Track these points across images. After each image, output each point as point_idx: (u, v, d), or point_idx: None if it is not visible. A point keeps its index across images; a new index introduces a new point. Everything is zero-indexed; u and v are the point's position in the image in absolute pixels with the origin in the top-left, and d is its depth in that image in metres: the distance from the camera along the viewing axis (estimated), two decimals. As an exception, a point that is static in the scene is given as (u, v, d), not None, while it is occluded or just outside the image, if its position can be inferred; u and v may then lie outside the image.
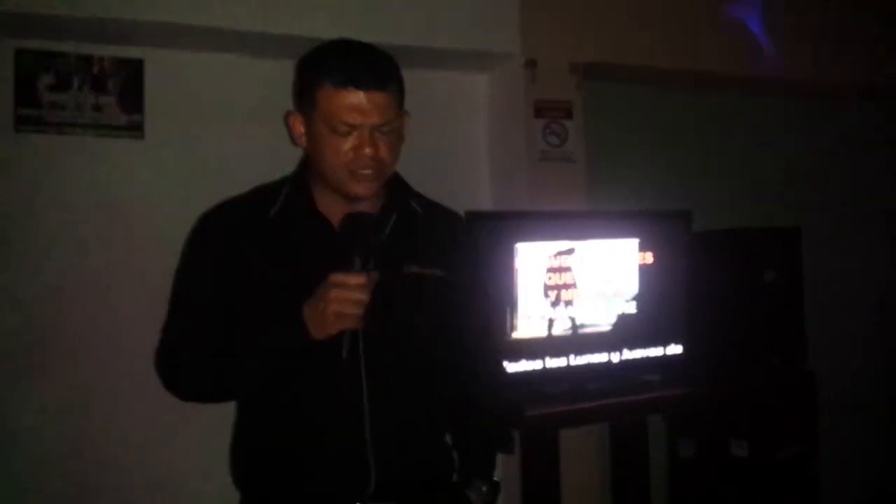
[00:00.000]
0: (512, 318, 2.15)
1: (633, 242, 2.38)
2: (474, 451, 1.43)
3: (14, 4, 1.86)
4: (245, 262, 1.27)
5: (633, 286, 2.37)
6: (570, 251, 2.26)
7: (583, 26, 2.49)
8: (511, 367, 2.13)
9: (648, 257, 2.39)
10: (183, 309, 1.33)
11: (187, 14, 2.00)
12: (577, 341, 2.27)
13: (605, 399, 2.27)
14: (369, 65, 1.23)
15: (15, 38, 2.01)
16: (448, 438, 1.41)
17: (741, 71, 2.80)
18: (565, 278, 2.25)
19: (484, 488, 1.41)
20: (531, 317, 2.20)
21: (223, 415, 1.53)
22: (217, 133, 2.20)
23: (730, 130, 3.05)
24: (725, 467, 2.61)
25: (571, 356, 2.26)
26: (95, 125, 2.09)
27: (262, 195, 1.34)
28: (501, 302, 2.12)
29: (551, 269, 2.23)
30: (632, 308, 2.37)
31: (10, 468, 1.98)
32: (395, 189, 1.36)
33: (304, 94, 1.26)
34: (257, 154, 2.22)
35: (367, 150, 1.22)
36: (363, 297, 1.17)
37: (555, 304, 2.24)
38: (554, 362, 2.23)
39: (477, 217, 2.07)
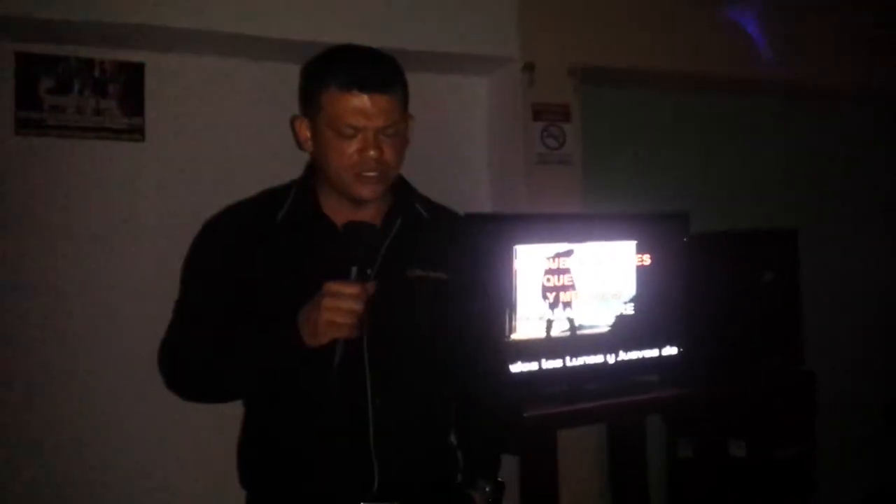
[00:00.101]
0: (511, 320, 2.16)
1: (630, 244, 2.39)
2: (478, 452, 1.44)
3: (15, 8, 1.87)
4: (251, 265, 1.28)
5: (631, 288, 2.38)
6: (568, 253, 2.28)
7: (580, 30, 2.51)
8: (510, 368, 2.14)
9: (646, 259, 2.41)
10: (187, 309, 1.35)
11: (188, 18, 2.00)
12: (576, 342, 2.29)
13: (604, 400, 2.29)
14: (373, 68, 1.24)
15: (16, 42, 2.02)
16: (452, 439, 1.41)
17: (738, 73, 2.82)
18: (564, 280, 2.26)
19: (488, 488, 1.41)
20: (530, 318, 2.21)
21: (228, 415, 1.54)
22: (217, 136, 2.21)
23: (727, 133, 3.06)
24: (724, 467, 2.62)
25: (570, 357, 2.27)
26: (96, 128, 2.10)
27: (268, 199, 1.36)
28: (500, 304, 2.13)
29: (550, 271, 2.24)
30: (630, 309, 2.38)
31: (10, 468, 1.98)
32: (400, 192, 1.37)
33: (310, 97, 1.28)
34: (258, 157, 2.23)
35: (372, 153, 1.24)
36: (357, 307, 1.16)
37: (553, 305, 2.25)
38: (552, 363, 2.24)
39: (476, 219, 2.08)
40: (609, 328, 2.35)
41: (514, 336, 2.18)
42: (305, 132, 1.31)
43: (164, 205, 2.15)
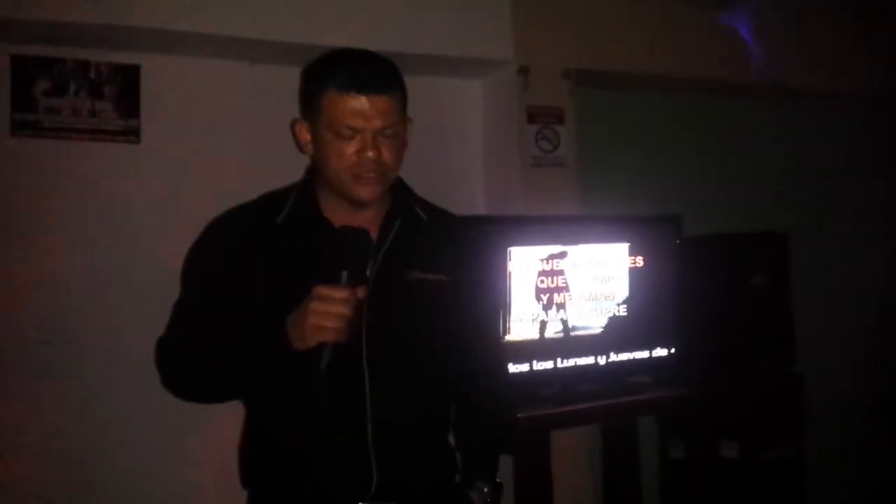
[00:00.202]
0: (505, 322, 2.17)
1: (624, 246, 2.41)
2: (477, 452, 1.45)
3: (11, 10, 1.87)
4: (251, 267, 1.29)
5: (624, 290, 2.40)
6: (562, 255, 2.29)
7: (575, 33, 2.52)
8: (508, 369, 2.15)
9: (639, 261, 2.42)
10: (186, 310, 1.35)
11: (183, 21, 2.01)
12: (569, 344, 2.30)
13: (597, 401, 2.30)
14: (371, 70, 1.26)
15: (11, 44, 2.02)
16: (451, 440, 1.42)
17: (732, 76, 2.84)
18: (557, 282, 2.28)
19: (486, 489, 1.42)
20: (523, 320, 2.23)
21: (229, 415, 1.54)
22: (213, 138, 2.22)
23: (720, 136, 3.09)
24: (715, 468, 2.64)
25: (563, 358, 2.29)
26: (92, 130, 2.10)
27: (269, 202, 1.37)
28: (498, 305, 2.14)
29: (543, 273, 2.26)
30: (623, 311, 2.40)
31: (11, 469, 1.98)
32: (399, 195, 1.38)
33: (310, 100, 1.30)
34: (253, 159, 2.24)
35: (370, 154, 1.25)
36: (345, 311, 1.16)
37: (547, 307, 2.27)
38: (546, 364, 2.26)
39: (470, 221, 2.09)
40: (602, 329, 2.37)
41: (508, 337, 2.19)
42: (305, 135, 1.32)
43: (160, 206, 2.15)
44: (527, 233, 2.26)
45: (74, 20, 1.92)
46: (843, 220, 3.36)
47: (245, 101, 2.26)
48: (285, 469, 1.30)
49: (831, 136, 3.35)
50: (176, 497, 2.12)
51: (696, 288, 2.52)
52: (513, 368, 2.18)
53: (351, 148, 1.25)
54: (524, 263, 2.23)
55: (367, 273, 1.29)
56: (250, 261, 1.29)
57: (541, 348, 2.25)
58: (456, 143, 2.55)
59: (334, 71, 1.26)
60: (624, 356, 2.39)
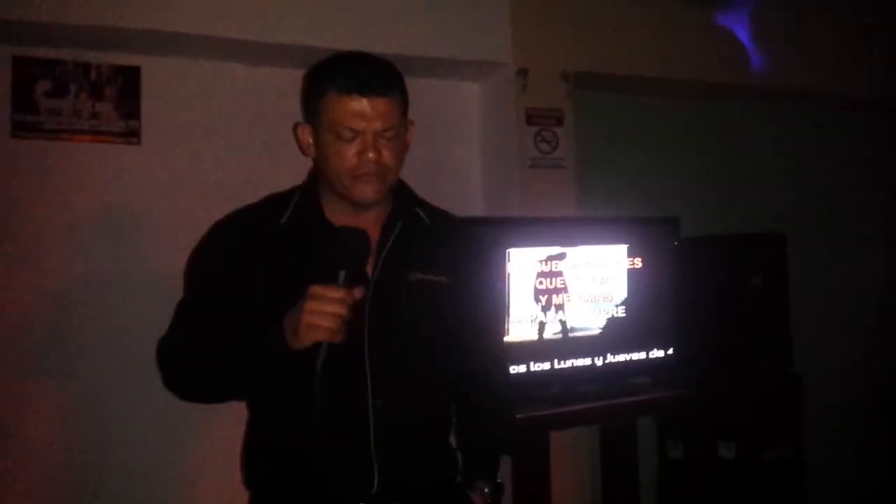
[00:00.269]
0: (504, 323, 2.18)
1: (622, 248, 2.42)
2: (478, 453, 1.46)
3: (12, 12, 1.88)
4: (254, 268, 1.29)
5: (622, 291, 2.41)
6: (560, 256, 2.30)
7: (573, 36, 2.53)
8: (508, 370, 2.15)
9: (637, 262, 2.43)
10: (189, 310, 1.35)
11: (184, 23, 2.02)
12: (568, 345, 2.31)
13: (596, 401, 2.31)
14: (372, 72, 1.27)
15: (12, 46, 2.03)
16: (452, 440, 1.43)
17: (730, 79, 2.85)
18: (556, 283, 2.29)
19: (487, 489, 1.43)
20: (522, 321, 2.23)
21: (233, 415, 1.55)
22: (213, 140, 2.23)
23: (717, 138, 3.10)
24: (713, 468, 2.64)
25: (562, 359, 2.29)
26: (92, 131, 2.11)
27: (272, 204, 1.38)
28: (498, 306, 2.14)
29: (542, 274, 2.27)
30: (621, 312, 2.40)
31: (12, 469, 1.99)
32: (401, 197, 1.39)
33: (311, 103, 1.31)
34: (253, 161, 2.25)
35: (371, 155, 1.26)
36: (341, 310, 1.16)
37: (546, 308, 2.28)
38: (545, 365, 2.26)
39: (469, 223, 2.10)
40: (601, 331, 2.37)
41: (507, 338, 2.19)
42: (307, 138, 1.33)
43: (160, 207, 2.16)
44: (525, 234, 2.27)
45: (75, 22, 1.93)
46: (841, 221, 3.38)
47: (245, 103, 2.26)
48: (287, 469, 1.31)
49: (829, 138, 3.36)
50: (178, 497, 2.12)
51: (694, 289, 2.53)
52: (512, 369, 2.18)
53: (352, 150, 1.26)
54: (523, 265, 2.23)
55: (370, 275, 1.30)
56: (253, 262, 1.30)
57: (539, 349, 2.26)
58: (455, 144, 2.55)
59: (335, 73, 1.27)
60: (622, 357, 2.40)
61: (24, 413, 2.01)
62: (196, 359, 1.29)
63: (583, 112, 2.61)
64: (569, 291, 2.31)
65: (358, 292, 1.20)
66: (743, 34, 2.84)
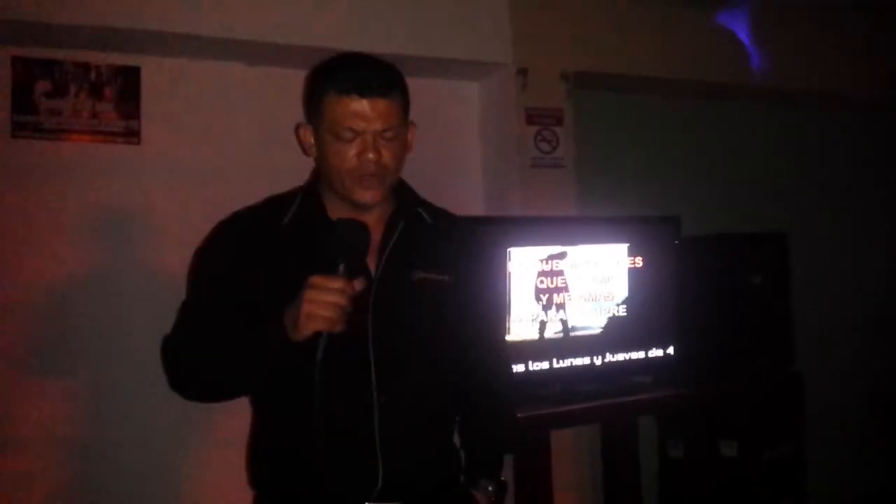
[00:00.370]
0: (505, 322, 2.18)
1: (623, 247, 2.42)
2: (482, 452, 1.46)
3: (11, 12, 1.88)
4: (257, 268, 1.30)
5: (623, 290, 2.41)
6: (561, 255, 2.30)
7: (573, 35, 2.53)
8: (512, 368, 2.15)
9: (638, 261, 2.43)
10: (193, 309, 1.35)
11: (184, 23, 2.02)
12: (569, 344, 2.31)
13: (597, 400, 2.31)
14: (372, 74, 1.27)
15: (12, 46, 2.03)
16: (455, 440, 1.43)
17: (730, 78, 2.85)
18: (557, 282, 2.29)
19: (491, 488, 1.43)
20: (523, 320, 2.23)
21: (238, 414, 1.55)
22: (213, 140, 2.23)
23: (718, 136, 3.10)
24: (715, 467, 2.64)
25: (563, 358, 2.29)
26: (92, 131, 2.11)
27: (274, 205, 1.38)
28: (501, 305, 2.14)
29: (543, 273, 2.27)
30: (622, 311, 2.40)
31: (15, 468, 1.99)
32: (403, 196, 1.40)
33: (312, 104, 1.31)
34: (253, 160, 2.25)
35: (370, 156, 1.26)
36: (340, 300, 1.16)
37: (547, 307, 2.28)
38: (546, 364, 2.26)
39: (470, 222, 2.09)
40: (602, 330, 2.37)
41: (508, 338, 2.18)
42: (309, 138, 1.34)
43: (160, 207, 2.16)
44: (526, 233, 2.27)
45: (75, 22, 1.93)
46: (842, 220, 3.38)
47: (245, 103, 2.26)
48: (292, 469, 1.31)
49: (830, 137, 3.36)
50: (180, 497, 2.12)
51: (695, 288, 2.53)
52: (513, 369, 2.18)
53: (352, 150, 1.27)
54: (524, 264, 2.23)
55: (373, 273, 1.30)
56: (256, 263, 1.30)
57: (540, 348, 2.26)
58: (455, 144, 2.55)
59: (335, 74, 1.28)
60: (623, 356, 2.40)
61: (24, 412, 2.01)
62: (200, 355, 1.29)
63: (583, 112, 2.61)
64: (570, 290, 2.31)
65: (358, 284, 1.21)
66: (743, 34, 2.84)
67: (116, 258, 2.12)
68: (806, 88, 3.02)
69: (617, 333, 2.39)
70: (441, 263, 1.37)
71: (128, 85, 2.15)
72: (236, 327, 1.26)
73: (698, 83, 2.82)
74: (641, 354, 2.43)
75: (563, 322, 2.30)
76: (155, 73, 2.17)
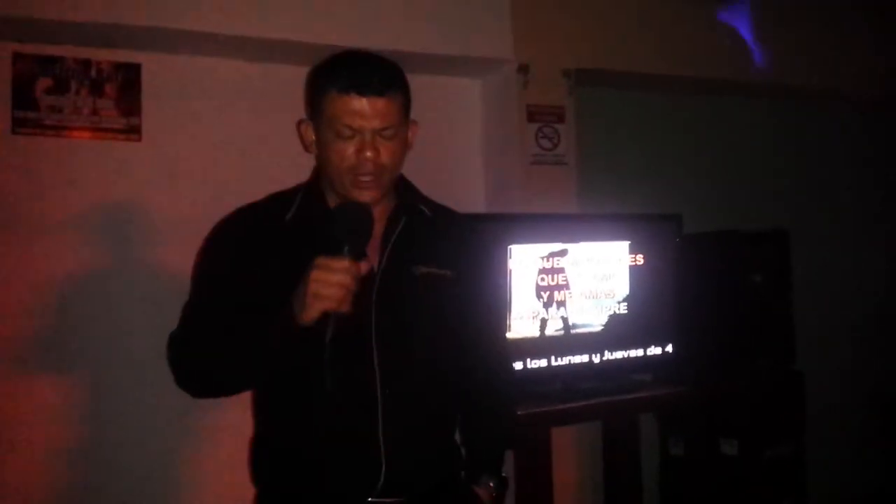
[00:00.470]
0: (506, 319, 2.18)
1: (624, 244, 2.41)
2: (483, 448, 1.46)
3: (12, 8, 1.88)
4: (261, 263, 1.30)
5: (624, 287, 2.41)
6: (562, 253, 2.30)
7: (575, 32, 2.53)
8: (513, 365, 2.15)
9: (639, 259, 2.43)
10: (198, 305, 1.35)
11: (184, 20, 2.02)
12: (570, 341, 2.31)
13: (597, 398, 2.31)
14: (372, 72, 1.27)
15: (13, 42, 2.03)
16: (457, 437, 1.43)
17: (732, 75, 2.84)
18: (558, 279, 2.28)
19: (492, 483, 1.43)
20: (524, 317, 2.23)
21: (240, 411, 1.55)
22: (214, 136, 2.23)
23: (720, 134, 3.09)
24: (715, 465, 2.64)
25: (564, 356, 2.29)
26: (93, 128, 2.11)
27: (277, 201, 1.38)
28: (502, 302, 2.14)
29: (544, 271, 2.26)
30: (623, 309, 2.40)
31: (14, 468, 1.99)
32: (405, 193, 1.40)
33: (314, 101, 1.32)
34: (254, 157, 2.25)
35: (368, 154, 1.26)
36: (346, 280, 1.16)
37: (547, 304, 2.27)
38: (546, 362, 2.26)
39: (471, 219, 2.10)
40: (602, 327, 2.37)
41: (509, 335, 2.18)
42: (310, 135, 1.34)
43: (161, 204, 2.16)
44: (527, 231, 2.27)
45: (76, 18, 1.93)
46: (843, 218, 3.37)
47: (246, 100, 2.26)
48: (296, 466, 1.31)
49: (831, 136, 3.36)
50: (180, 495, 2.12)
51: (696, 286, 2.53)
52: (514, 366, 2.18)
53: (350, 148, 1.27)
54: (524, 261, 2.23)
55: (376, 268, 1.30)
56: (259, 258, 1.31)
57: (541, 346, 2.26)
58: (456, 141, 2.55)
59: (336, 72, 1.28)
60: (624, 354, 2.40)
61: (24, 410, 2.01)
62: (209, 347, 1.28)
63: (584, 108, 2.60)
64: (570, 288, 2.31)
65: (364, 266, 1.21)
66: (745, 31, 2.83)
67: (117, 255, 2.12)
68: (807, 86, 3.02)
69: (618, 331, 2.39)
70: (443, 258, 1.37)
71: (129, 82, 2.15)
72: (243, 319, 1.26)
73: (700, 80, 2.81)
74: (642, 352, 2.43)
75: (564, 320, 2.30)
76: (156, 69, 2.17)
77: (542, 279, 2.26)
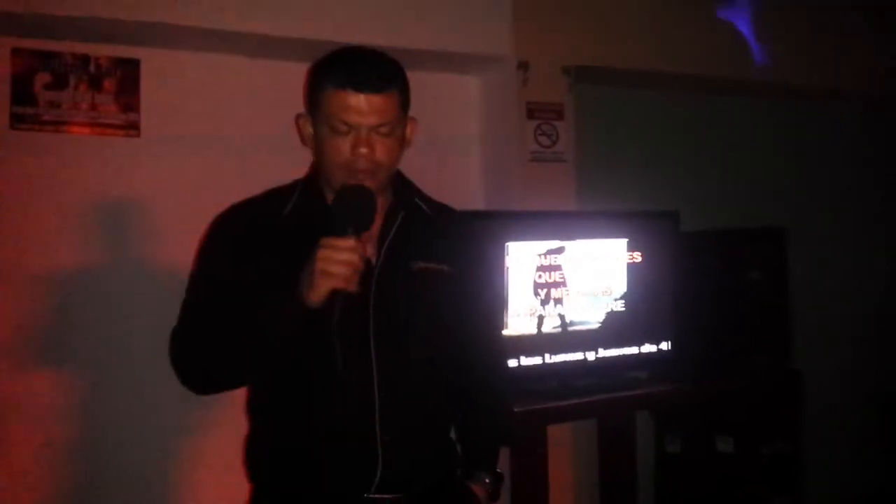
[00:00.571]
0: (502, 316, 2.19)
1: (621, 242, 2.42)
2: (477, 444, 1.47)
3: (11, 3, 1.87)
4: (259, 258, 1.30)
5: (621, 285, 2.41)
6: (560, 250, 2.30)
7: (574, 29, 2.53)
8: (508, 362, 2.16)
9: (637, 256, 2.43)
10: (199, 299, 1.34)
11: (184, 15, 2.02)
12: (567, 339, 2.31)
13: (594, 395, 2.31)
14: (369, 69, 1.27)
15: (11, 37, 2.03)
16: (452, 434, 1.44)
17: (731, 73, 2.84)
18: (555, 277, 2.29)
19: (487, 480, 1.44)
20: (521, 314, 2.24)
21: (231, 411, 1.55)
22: (212, 132, 2.22)
23: (718, 132, 3.09)
24: (711, 463, 2.65)
25: (560, 353, 2.30)
26: (92, 123, 2.11)
27: (275, 196, 1.39)
28: (498, 299, 2.14)
29: (541, 268, 2.27)
30: (620, 306, 2.41)
31: (10, 466, 1.99)
32: (402, 189, 1.41)
33: (311, 96, 1.32)
34: (253, 153, 2.25)
35: (363, 150, 1.26)
36: (352, 258, 1.17)
37: (545, 302, 2.28)
38: (543, 359, 2.27)
39: (469, 216, 2.10)
40: (600, 325, 2.38)
41: (506, 332, 2.20)
42: (308, 129, 1.35)
43: (159, 200, 2.16)
44: (525, 228, 2.27)
45: (74, 13, 1.93)
46: (841, 216, 3.37)
47: (244, 96, 2.26)
48: (292, 463, 1.31)
49: (830, 135, 3.35)
50: (179, 493, 2.13)
51: (693, 284, 2.53)
52: (510, 363, 2.19)
53: (346, 143, 1.27)
54: (522, 258, 2.23)
55: (373, 264, 1.31)
56: (258, 252, 1.31)
57: (538, 343, 2.26)
58: (455, 138, 2.55)
59: (334, 68, 1.28)
60: (621, 351, 2.40)
61: (23, 408, 2.01)
62: (212, 339, 1.27)
63: (583, 106, 2.60)
64: (568, 285, 2.31)
65: (369, 247, 1.21)
66: (744, 29, 2.83)
67: (116, 250, 2.12)
68: (807, 86, 3.02)
69: (615, 328, 2.39)
70: (440, 255, 1.37)
71: (128, 77, 2.15)
72: (247, 308, 1.25)
73: (699, 78, 2.81)
74: (639, 350, 2.44)
75: (561, 317, 2.31)
76: (155, 65, 2.17)
77: (540, 276, 2.27)
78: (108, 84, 2.13)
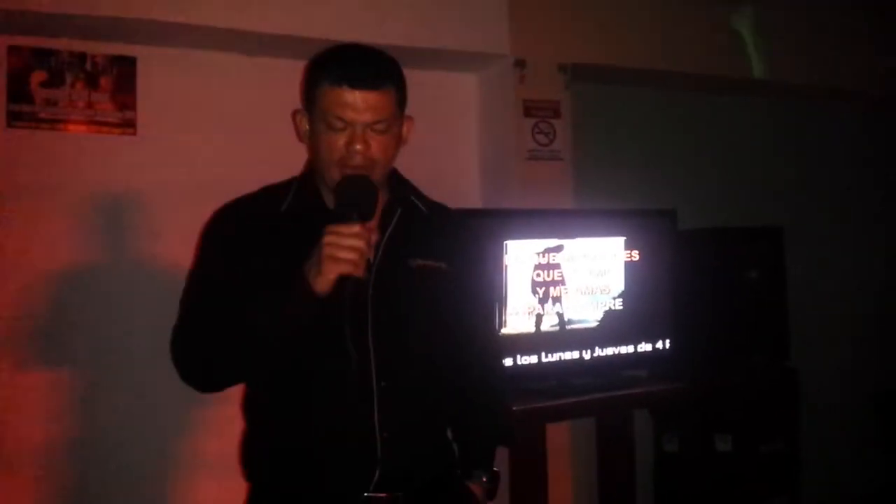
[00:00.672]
0: (500, 315, 2.18)
1: (619, 240, 2.41)
2: (475, 443, 1.46)
3: (7, 1, 1.87)
4: (256, 254, 1.29)
5: (619, 283, 2.41)
6: (558, 249, 2.30)
7: (571, 28, 2.53)
8: (505, 360, 2.15)
9: (635, 255, 2.43)
10: (197, 296, 1.34)
11: (180, 13, 2.02)
12: (565, 337, 2.31)
13: (592, 394, 2.31)
14: (366, 66, 1.27)
15: (8, 35, 2.02)
16: (449, 433, 1.44)
17: (729, 72, 2.84)
18: (553, 275, 2.29)
19: (485, 478, 1.44)
20: (519, 313, 2.23)
21: (229, 410, 1.54)
22: (209, 130, 2.22)
23: (715, 130, 3.09)
24: (710, 461, 2.65)
25: (559, 352, 2.29)
26: (88, 121, 2.11)
27: (270, 193, 1.38)
28: (495, 298, 2.14)
29: (539, 266, 2.27)
30: (618, 305, 2.40)
31: (14, 466, 1.99)
32: (399, 187, 1.41)
33: (308, 92, 1.32)
34: (250, 151, 2.24)
35: (358, 146, 1.26)
36: (359, 243, 1.18)
37: (543, 300, 2.28)
38: (541, 358, 2.26)
39: (466, 215, 2.09)
40: (598, 323, 2.37)
41: (504, 330, 2.20)
42: (304, 126, 1.35)
43: (156, 198, 2.15)
44: (523, 226, 2.27)
45: (71, 11, 1.92)
46: (838, 215, 3.37)
47: (241, 94, 2.26)
48: (290, 461, 1.31)
49: (829, 134, 3.35)
50: (177, 492, 2.13)
51: (691, 282, 2.53)
52: (508, 362, 2.19)
53: (341, 140, 1.27)
54: (520, 257, 2.23)
55: (371, 261, 1.30)
56: (255, 250, 1.30)
57: (536, 342, 2.26)
58: (452, 136, 2.55)
59: (330, 65, 1.28)
60: (619, 350, 2.40)
61: (21, 406, 2.01)
62: (215, 334, 1.26)
63: (581, 104, 2.60)
64: (566, 284, 2.31)
65: (374, 234, 1.21)
66: (744, 28, 2.83)
67: (112, 248, 2.12)
68: (807, 86, 3.02)
69: (613, 327, 2.39)
70: (438, 252, 1.37)
71: (124, 75, 2.15)
72: (250, 301, 1.24)
73: (697, 76, 2.81)
74: (637, 348, 2.43)
75: (560, 315, 2.31)
76: (152, 63, 2.17)
77: (538, 275, 2.26)
78: (105, 82, 2.13)
